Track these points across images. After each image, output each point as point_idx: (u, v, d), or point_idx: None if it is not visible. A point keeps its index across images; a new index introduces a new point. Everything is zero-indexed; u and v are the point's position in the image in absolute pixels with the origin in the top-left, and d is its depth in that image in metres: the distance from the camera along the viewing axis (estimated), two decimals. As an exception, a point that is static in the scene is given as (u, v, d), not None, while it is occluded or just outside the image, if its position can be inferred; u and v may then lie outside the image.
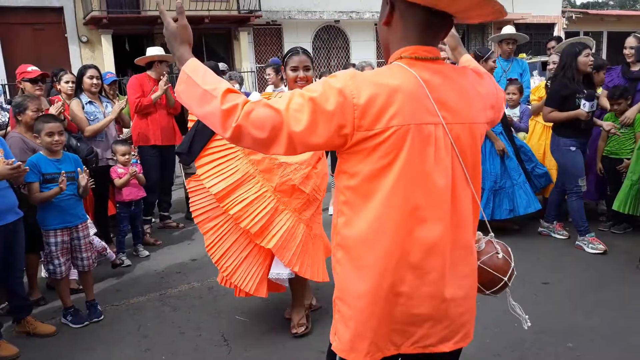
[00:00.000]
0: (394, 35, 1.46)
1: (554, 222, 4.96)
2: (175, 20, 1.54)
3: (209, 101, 1.38)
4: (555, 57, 5.22)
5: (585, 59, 4.38)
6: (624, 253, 4.45)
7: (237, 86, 6.20)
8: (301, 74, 3.01)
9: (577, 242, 4.64)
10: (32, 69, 4.64)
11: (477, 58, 5.07)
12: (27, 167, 3.19)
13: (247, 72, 13.92)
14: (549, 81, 5.18)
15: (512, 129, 5.14)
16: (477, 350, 3.05)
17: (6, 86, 10.63)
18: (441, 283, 1.43)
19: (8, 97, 9.01)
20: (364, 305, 1.42)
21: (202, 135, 2.99)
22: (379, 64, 17.64)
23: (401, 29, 1.43)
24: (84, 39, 13.07)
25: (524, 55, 12.23)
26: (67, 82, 4.85)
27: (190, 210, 3.19)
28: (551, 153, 4.76)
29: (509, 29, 6.10)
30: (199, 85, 1.41)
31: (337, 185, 1.48)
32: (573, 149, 4.49)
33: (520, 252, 4.57)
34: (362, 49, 16.76)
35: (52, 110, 4.31)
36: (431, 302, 1.44)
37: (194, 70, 1.45)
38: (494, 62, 5.04)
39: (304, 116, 1.32)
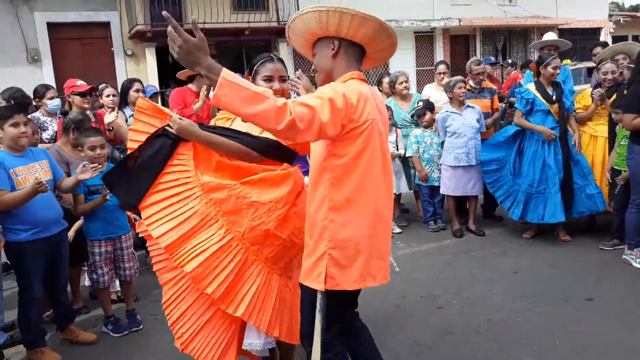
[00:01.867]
0: (340, 64, 2.14)
1: (636, 248, 4.42)
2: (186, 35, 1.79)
3: (262, 101, 1.74)
4: (611, 66, 4.97)
5: None
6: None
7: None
8: (276, 85, 2.42)
9: (624, 256, 4.45)
10: (81, 83, 4.79)
11: (538, 63, 5.00)
12: (47, 185, 3.14)
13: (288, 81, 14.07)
14: (597, 89, 5.02)
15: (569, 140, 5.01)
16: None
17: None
18: (390, 227, 2.22)
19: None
20: (352, 246, 2.03)
21: (148, 169, 2.34)
22: (418, 72, 17.50)
23: (346, 60, 2.14)
24: (129, 52, 13.48)
25: (569, 61, 11.91)
26: (107, 95, 5.00)
27: (150, 255, 2.64)
28: (627, 161, 4.45)
29: (550, 35, 5.97)
30: (246, 88, 1.75)
31: (325, 165, 2.03)
32: None
33: (562, 266, 4.45)
34: (401, 57, 16.64)
35: (109, 117, 4.48)
36: (388, 243, 2.17)
37: (233, 76, 1.75)
38: (554, 68, 4.87)
39: (326, 112, 1.85)
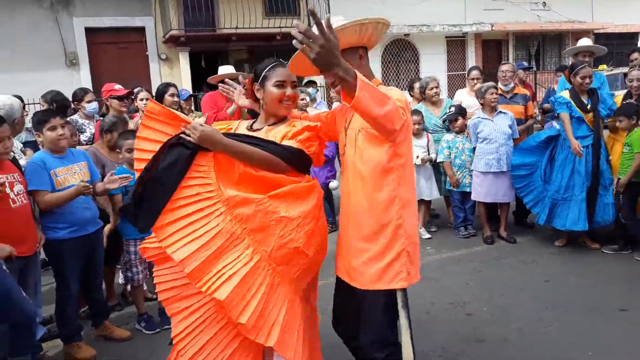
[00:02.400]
0: (365, 71, 2.17)
1: None
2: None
3: (387, 102, 1.91)
4: (637, 73, 4.88)
5: None
6: None
7: (307, 99, 6.35)
8: (289, 91, 2.30)
9: (660, 267, 4.35)
10: (119, 87, 4.95)
11: (570, 71, 4.98)
12: (91, 188, 3.34)
13: (320, 86, 14.13)
14: (629, 97, 4.92)
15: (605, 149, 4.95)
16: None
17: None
18: None
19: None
20: (416, 240, 2.25)
21: (164, 184, 2.06)
22: (449, 77, 17.37)
23: (367, 66, 2.30)
24: (163, 56, 13.77)
25: (605, 66, 11.68)
26: (141, 99, 5.14)
27: (154, 282, 2.27)
28: None
29: (585, 41, 5.86)
30: (378, 90, 1.88)
31: (389, 166, 2.13)
32: None
33: (593, 275, 4.37)
34: (432, 61, 16.59)
35: (132, 124, 4.58)
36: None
37: (363, 78, 1.82)
38: (582, 77, 4.80)
39: (407, 114, 2.09)
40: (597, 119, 4.84)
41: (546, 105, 6.23)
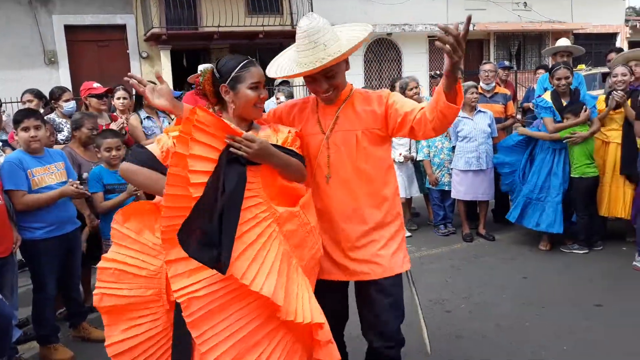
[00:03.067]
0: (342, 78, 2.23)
1: None
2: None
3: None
4: (622, 69, 4.89)
5: None
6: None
7: (282, 99, 6.33)
8: (264, 92, 2.11)
9: (634, 263, 4.43)
10: (97, 86, 4.88)
11: (549, 72, 5.08)
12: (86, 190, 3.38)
13: (299, 86, 14.11)
14: (610, 95, 4.98)
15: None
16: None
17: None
18: None
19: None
20: None
21: (231, 209, 1.80)
22: (431, 77, 17.47)
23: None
24: (145, 54, 13.64)
25: (583, 66, 11.83)
26: (118, 98, 5.10)
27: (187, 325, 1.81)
28: (638, 167, 4.48)
29: (563, 41, 5.93)
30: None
31: (390, 163, 2.34)
32: None
33: (571, 272, 4.44)
34: (415, 61, 16.67)
35: (114, 126, 4.53)
36: None
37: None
38: (558, 78, 4.87)
39: None
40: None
41: (526, 105, 6.31)
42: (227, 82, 2.07)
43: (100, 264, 2.03)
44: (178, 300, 1.80)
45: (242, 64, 2.08)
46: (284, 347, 1.92)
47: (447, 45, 1.77)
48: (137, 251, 2.02)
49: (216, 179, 1.80)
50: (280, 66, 2.23)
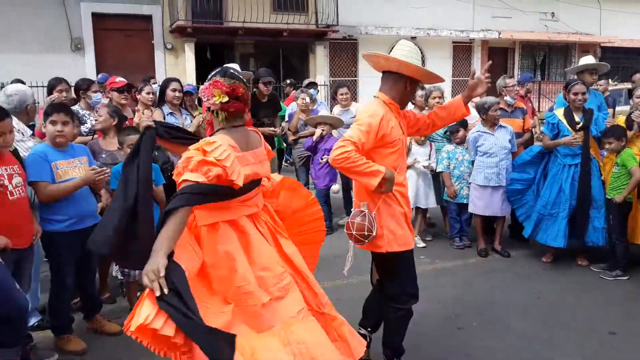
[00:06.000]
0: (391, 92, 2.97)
1: None
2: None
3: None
4: None
5: None
6: None
7: (308, 100, 6.34)
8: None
9: (652, 290, 4.37)
10: (120, 80, 4.95)
11: (565, 87, 5.06)
12: (109, 172, 3.41)
13: (322, 85, 14.12)
14: (631, 113, 4.92)
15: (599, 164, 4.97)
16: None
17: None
18: None
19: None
20: None
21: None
22: (454, 82, 17.37)
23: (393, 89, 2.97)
24: (169, 46, 13.76)
25: (610, 81, 11.66)
26: (147, 93, 5.14)
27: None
28: None
29: (588, 59, 5.83)
30: None
31: None
32: None
33: (585, 295, 4.38)
34: (438, 66, 16.57)
35: (136, 119, 4.58)
36: None
37: None
38: (575, 94, 4.85)
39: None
40: (587, 137, 4.84)
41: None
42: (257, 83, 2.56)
43: None
44: None
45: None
46: None
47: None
48: None
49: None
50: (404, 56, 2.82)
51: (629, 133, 4.84)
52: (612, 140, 4.71)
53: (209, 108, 2.38)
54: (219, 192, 2.23)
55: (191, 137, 2.65)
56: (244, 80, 2.42)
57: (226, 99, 2.32)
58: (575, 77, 5.34)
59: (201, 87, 2.41)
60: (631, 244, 4.85)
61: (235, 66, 5.65)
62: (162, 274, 1.93)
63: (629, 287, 4.57)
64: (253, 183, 2.41)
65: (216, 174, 2.15)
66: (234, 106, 2.34)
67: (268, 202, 2.63)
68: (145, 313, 1.88)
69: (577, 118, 4.88)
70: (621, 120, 5.10)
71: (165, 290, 1.90)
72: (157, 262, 1.95)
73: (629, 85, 10.39)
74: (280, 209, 2.74)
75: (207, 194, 2.18)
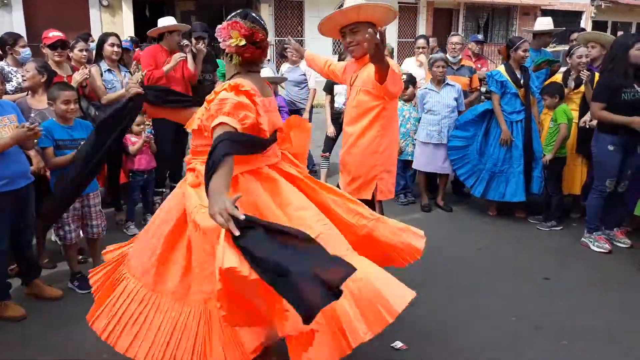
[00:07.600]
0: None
1: (594, 232, 4.55)
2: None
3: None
4: (584, 50, 5.01)
5: (638, 52, 4.14)
6: (630, 254, 4.41)
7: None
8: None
9: (582, 239, 4.62)
10: (53, 35, 4.54)
11: (508, 47, 5.07)
12: (41, 130, 3.23)
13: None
14: (568, 74, 5.09)
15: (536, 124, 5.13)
16: (471, 342, 3.09)
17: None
18: None
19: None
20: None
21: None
22: (400, 44, 17.40)
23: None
24: (105, 3, 13.04)
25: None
26: (80, 50, 4.87)
27: None
28: (591, 147, 4.52)
29: (546, 22, 6.05)
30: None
31: None
32: (611, 148, 4.28)
33: (522, 245, 4.60)
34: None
35: (77, 76, 4.33)
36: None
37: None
38: (524, 51, 4.97)
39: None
40: (528, 95, 5.04)
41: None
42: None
43: None
44: None
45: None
46: None
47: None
48: None
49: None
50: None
51: (566, 90, 5.02)
52: (546, 97, 4.92)
53: (223, 50, 2.26)
54: (254, 143, 2.13)
55: (187, 98, 2.49)
56: (265, 26, 2.32)
57: (243, 42, 2.19)
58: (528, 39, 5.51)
59: (218, 26, 2.25)
60: (567, 194, 5.12)
61: (171, 20, 5.37)
62: (234, 211, 1.68)
63: (562, 237, 4.83)
64: (275, 133, 2.35)
65: (251, 122, 2.06)
66: (249, 51, 2.23)
67: (284, 150, 2.54)
68: (232, 261, 1.66)
69: (518, 76, 5.02)
70: (558, 78, 5.27)
71: (237, 233, 1.67)
72: (222, 200, 1.73)
73: (566, 47, 10.73)
74: (299, 150, 2.65)
75: (246, 145, 2.06)
